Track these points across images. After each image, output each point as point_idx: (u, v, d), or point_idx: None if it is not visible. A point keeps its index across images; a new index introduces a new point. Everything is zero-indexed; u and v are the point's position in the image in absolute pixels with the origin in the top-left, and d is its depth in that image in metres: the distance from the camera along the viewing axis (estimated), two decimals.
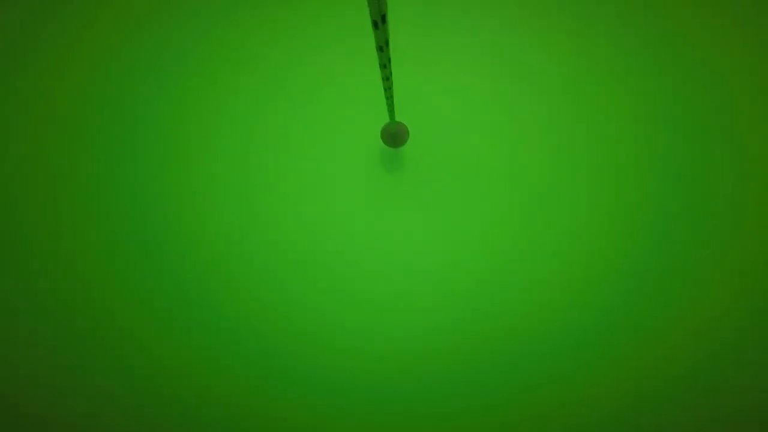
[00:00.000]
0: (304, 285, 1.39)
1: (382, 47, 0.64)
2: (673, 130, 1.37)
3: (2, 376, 1.40)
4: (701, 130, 1.36)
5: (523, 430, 1.36)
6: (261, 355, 1.38)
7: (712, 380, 1.34)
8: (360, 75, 1.41)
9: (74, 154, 1.41)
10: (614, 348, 1.36)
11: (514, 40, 1.41)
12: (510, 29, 1.41)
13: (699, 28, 1.39)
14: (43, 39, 1.43)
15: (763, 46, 1.37)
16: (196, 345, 1.39)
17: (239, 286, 1.39)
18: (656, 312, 1.35)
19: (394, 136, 1.33)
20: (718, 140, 1.36)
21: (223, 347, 1.39)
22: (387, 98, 0.94)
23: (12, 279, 1.39)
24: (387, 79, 0.79)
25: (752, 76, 1.36)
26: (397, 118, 1.41)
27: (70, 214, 1.40)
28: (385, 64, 0.72)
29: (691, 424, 1.34)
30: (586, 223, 1.37)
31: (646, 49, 1.39)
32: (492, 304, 1.37)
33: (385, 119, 1.41)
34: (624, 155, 1.37)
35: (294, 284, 1.39)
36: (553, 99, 1.39)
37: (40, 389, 1.40)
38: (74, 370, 1.40)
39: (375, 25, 0.58)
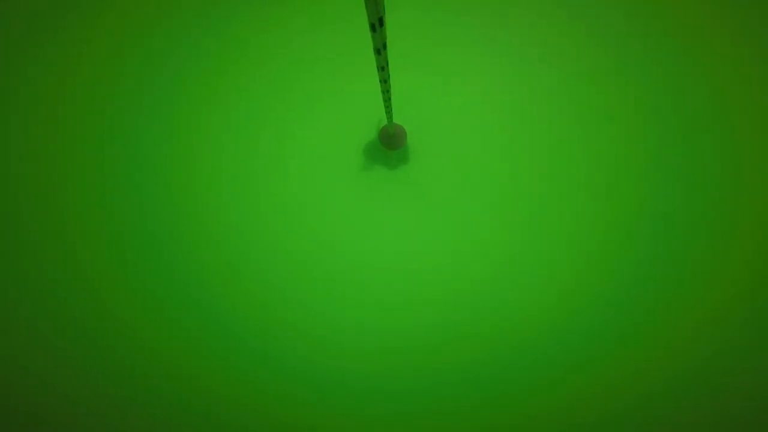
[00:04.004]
0: (306, 285, 1.39)
1: (380, 50, 0.64)
2: (671, 132, 1.38)
3: (6, 376, 1.39)
4: (700, 131, 1.37)
5: (523, 429, 1.36)
6: (262, 353, 1.38)
7: (713, 382, 1.34)
8: (358, 77, 1.42)
9: (80, 155, 1.41)
10: (615, 347, 1.36)
11: (511, 42, 1.41)
12: (508, 31, 1.42)
13: (697, 30, 1.40)
14: (51, 39, 1.43)
15: (763, 45, 1.38)
16: (197, 344, 1.39)
17: (242, 285, 1.39)
18: (658, 310, 1.36)
19: (393, 138, 1.33)
20: (717, 141, 1.37)
21: (224, 345, 1.39)
22: (385, 100, 0.94)
23: (17, 280, 1.39)
24: (385, 81, 0.80)
25: (751, 76, 1.37)
26: (395, 120, 1.42)
27: (76, 214, 1.40)
28: (383, 67, 0.72)
29: (690, 426, 1.34)
30: (585, 223, 1.37)
31: (646, 51, 1.39)
32: (492, 303, 1.38)
33: (383, 121, 1.41)
34: (623, 156, 1.38)
35: (296, 284, 1.39)
36: (551, 101, 1.40)
37: (43, 388, 1.39)
38: (76, 369, 1.39)
39: (372, 27, 0.58)
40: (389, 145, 1.34)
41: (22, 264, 1.39)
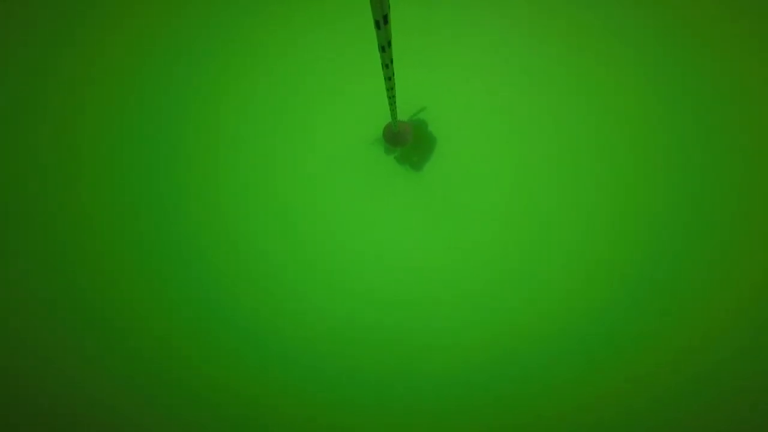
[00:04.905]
0: (319, 285, 1.40)
1: (384, 47, 0.63)
2: (689, 133, 1.35)
3: (24, 375, 1.42)
4: (719, 132, 1.34)
5: (533, 429, 1.35)
6: (276, 351, 1.40)
7: (725, 386, 1.33)
8: (363, 74, 1.40)
9: (99, 156, 1.42)
10: (627, 349, 1.35)
11: (518, 40, 1.39)
12: (515, 29, 1.39)
13: (717, 25, 1.36)
14: (71, 38, 1.44)
15: None
16: (214, 342, 1.41)
17: (258, 285, 1.41)
18: (671, 312, 1.34)
19: (397, 135, 1.31)
20: (729, 145, 1.33)
21: (240, 344, 1.41)
22: (389, 98, 0.93)
23: (39, 277, 1.41)
24: (389, 79, 0.78)
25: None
26: (400, 118, 1.40)
27: (96, 214, 1.42)
28: (387, 64, 0.71)
29: (702, 430, 1.33)
30: (598, 224, 1.35)
31: (664, 49, 1.36)
32: (502, 304, 1.37)
33: (387, 118, 1.40)
34: (638, 157, 1.35)
35: (310, 284, 1.40)
36: (560, 100, 1.37)
37: (71, 388, 1.42)
38: (94, 363, 1.41)
39: (377, 25, 0.57)
40: (394, 142, 1.32)
41: (46, 265, 1.41)
